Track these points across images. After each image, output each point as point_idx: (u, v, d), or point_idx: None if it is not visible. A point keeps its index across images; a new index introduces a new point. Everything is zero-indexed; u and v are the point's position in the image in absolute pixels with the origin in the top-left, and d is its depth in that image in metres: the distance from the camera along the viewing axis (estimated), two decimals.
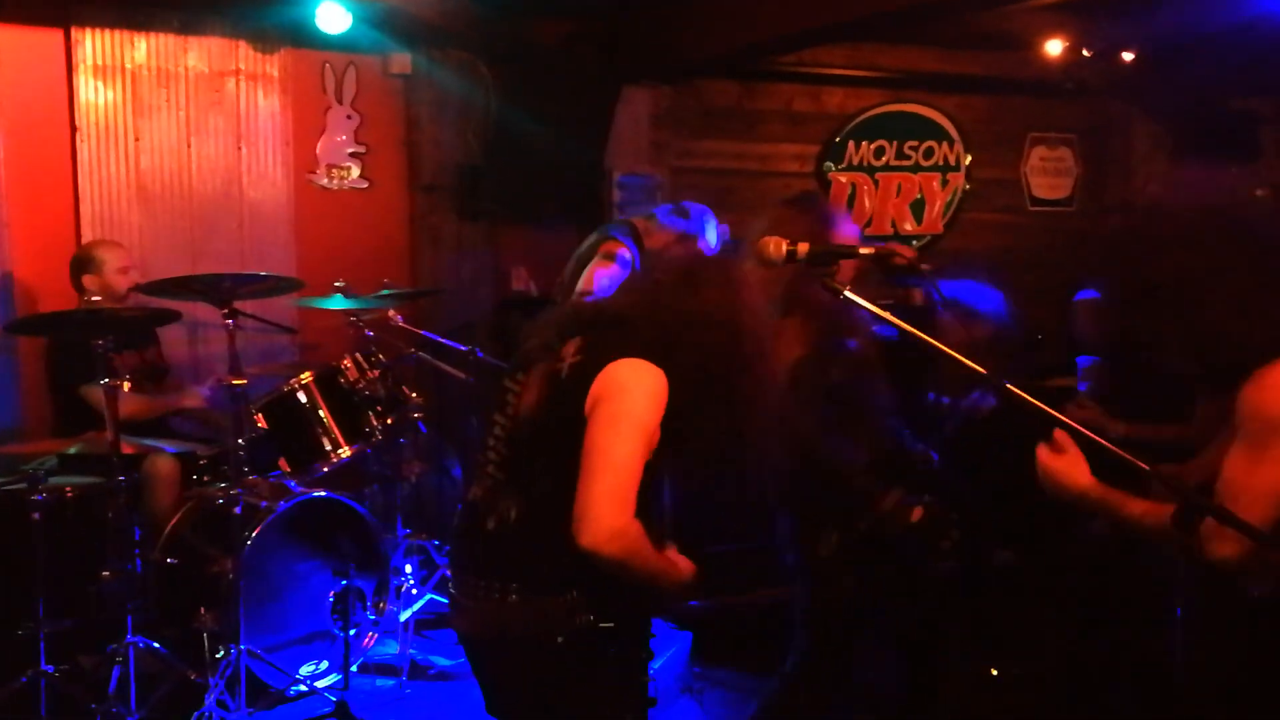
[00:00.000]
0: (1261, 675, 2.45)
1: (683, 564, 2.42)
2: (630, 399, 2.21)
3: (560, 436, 2.25)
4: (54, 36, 5.17)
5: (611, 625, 2.31)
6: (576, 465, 2.20)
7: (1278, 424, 2.18)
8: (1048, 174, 7.54)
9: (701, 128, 6.58)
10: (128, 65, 5.27)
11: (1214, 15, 5.81)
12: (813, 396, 2.96)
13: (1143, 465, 2.00)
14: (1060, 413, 2.13)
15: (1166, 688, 2.20)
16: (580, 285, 4.49)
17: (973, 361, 2.20)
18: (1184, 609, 2.02)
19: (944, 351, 2.24)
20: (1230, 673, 2.48)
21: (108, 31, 5.22)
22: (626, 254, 4.49)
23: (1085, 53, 6.68)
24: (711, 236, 4.56)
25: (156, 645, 3.89)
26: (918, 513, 2.93)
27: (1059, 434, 2.34)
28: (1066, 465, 2.35)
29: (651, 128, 6.38)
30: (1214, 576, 2.21)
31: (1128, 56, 6.80)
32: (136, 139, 5.31)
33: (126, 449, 3.91)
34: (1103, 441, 2.02)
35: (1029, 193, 7.53)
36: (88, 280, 4.64)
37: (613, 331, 2.30)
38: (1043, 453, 2.37)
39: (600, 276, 4.37)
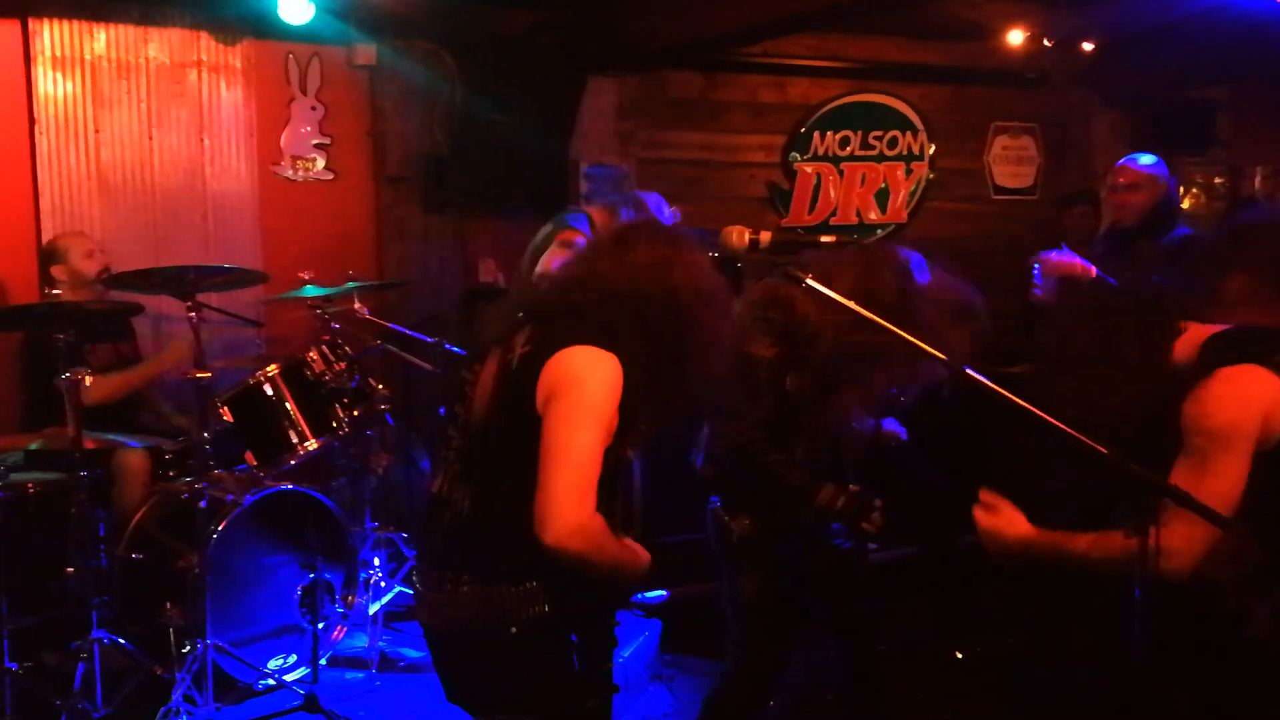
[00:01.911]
0: (1218, 656, 2.49)
1: (641, 553, 2.43)
2: (586, 390, 2.20)
3: (513, 428, 2.25)
4: (11, 27, 5.09)
5: (566, 616, 2.32)
6: (529, 456, 2.20)
7: (1216, 436, 2.25)
8: (1010, 163, 7.60)
9: (667, 118, 6.59)
10: (87, 56, 5.20)
11: (1172, 5, 5.88)
12: (764, 398, 3.00)
13: (1100, 449, 2.03)
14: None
15: (1126, 667, 2.24)
16: (536, 276, 4.49)
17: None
18: (1141, 591, 2.05)
19: (906, 339, 2.27)
20: (1188, 653, 2.52)
21: (66, 22, 5.15)
22: (584, 241, 4.49)
23: (1046, 43, 6.74)
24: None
25: (122, 641, 3.87)
26: (841, 500, 3.00)
27: (985, 494, 2.38)
28: (1004, 521, 2.38)
29: (617, 118, 6.38)
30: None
31: (1088, 46, 6.86)
32: (97, 131, 5.25)
33: (89, 444, 3.89)
34: (1060, 425, 2.04)
35: (992, 181, 7.59)
36: (56, 271, 4.63)
37: (560, 318, 2.29)
38: (979, 516, 2.40)
39: (557, 265, 4.36)
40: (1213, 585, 2.31)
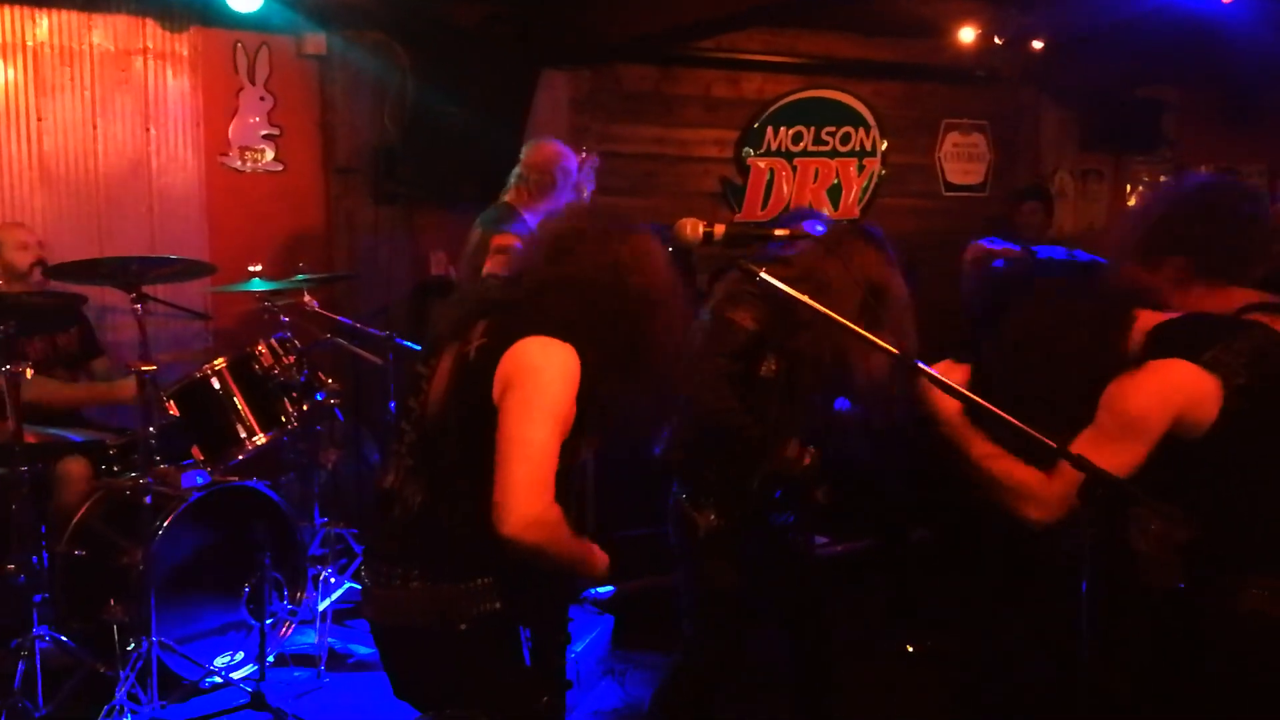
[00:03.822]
0: (1163, 649, 2.53)
1: (599, 555, 2.42)
2: (543, 381, 2.19)
3: (469, 421, 2.23)
4: None
5: (518, 612, 2.30)
6: (486, 450, 2.18)
7: (1126, 423, 2.30)
8: (961, 160, 7.67)
9: (621, 112, 6.57)
10: (29, 42, 5.10)
11: (1121, 5, 5.96)
12: (735, 339, 3.00)
13: (1051, 443, 2.04)
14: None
15: (1074, 660, 2.27)
16: (485, 275, 4.44)
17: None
18: (1089, 584, 2.07)
19: (859, 333, 2.28)
20: (1133, 646, 2.56)
21: (7, 7, 5.04)
22: (518, 242, 4.46)
23: (997, 40, 6.81)
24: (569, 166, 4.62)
25: (64, 638, 3.80)
26: (808, 458, 3.02)
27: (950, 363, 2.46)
28: (944, 390, 2.44)
29: (571, 112, 6.36)
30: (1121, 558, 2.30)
31: (1038, 45, 6.94)
32: (39, 119, 5.15)
33: (30, 438, 3.81)
34: (1011, 420, 2.06)
35: (943, 178, 7.65)
36: None
37: (516, 311, 2.28)
38: (938, 368, 2.45)
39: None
40: (1146, 565, 2.36)
